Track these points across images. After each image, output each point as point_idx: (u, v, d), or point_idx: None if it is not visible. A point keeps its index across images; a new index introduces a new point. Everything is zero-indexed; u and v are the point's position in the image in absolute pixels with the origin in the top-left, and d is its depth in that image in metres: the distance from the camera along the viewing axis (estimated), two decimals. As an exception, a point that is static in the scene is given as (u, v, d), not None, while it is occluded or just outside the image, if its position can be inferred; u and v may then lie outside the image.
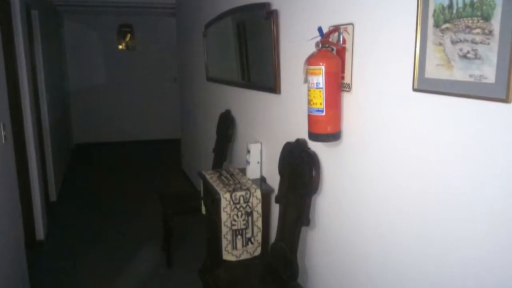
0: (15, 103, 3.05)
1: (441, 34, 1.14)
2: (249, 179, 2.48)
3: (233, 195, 2.22)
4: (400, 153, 1.37)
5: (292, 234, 1.94)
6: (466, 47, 1.07)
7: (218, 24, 3.16)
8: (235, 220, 2.24)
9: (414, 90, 1.26)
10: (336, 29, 1.62)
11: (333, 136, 1.63)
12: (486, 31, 1.01)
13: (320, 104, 1.56)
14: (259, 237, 2.31)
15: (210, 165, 3.24)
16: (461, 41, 1.08)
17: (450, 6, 1.10)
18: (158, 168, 5.77)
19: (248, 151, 2.51)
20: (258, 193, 2.27)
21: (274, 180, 2.32)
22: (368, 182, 1.55)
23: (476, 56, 1.04)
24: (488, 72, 1.01)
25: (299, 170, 1.93)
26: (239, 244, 2.27)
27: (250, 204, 2.26)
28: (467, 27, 1.06)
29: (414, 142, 1.30)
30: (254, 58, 2.62)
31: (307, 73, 1.60)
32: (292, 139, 2.03)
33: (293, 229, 1.94)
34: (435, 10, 1.15)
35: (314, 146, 1.87)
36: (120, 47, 7.25)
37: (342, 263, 1.75)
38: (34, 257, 3.07)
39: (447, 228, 1.19)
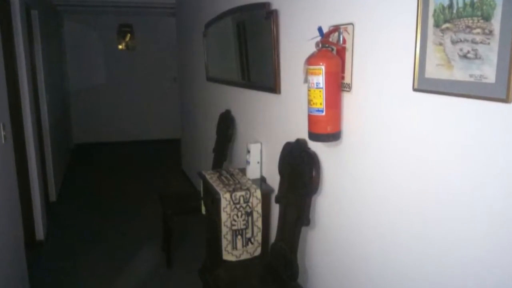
0: (15, 103, 3.05)
1: (441, 34, 1.14)
2: (249, 179, 2.48)
3: (233, 195, 2.22)
4: (400, 153, 1.37)
5: (292, 234, 1.94)
6: (466, 47, 1.07)
7: (218, 24, 3.16)
8: (235, 220, 2.24)
9: (414, 90, 1.26)
10: (336, 29, 1.62)
11: (333, 136, 1.63)
12: (486, 31, 1.00)
13: (320, 104, 1.56)
14: (259, 237, 2.31)
15: (210, 165, 3.24)
16: (461, 41, 1.08)
17: (450, 6, 1.10)
18: (158, 168, 5.77)
19: (248, 151, 2.51)
20: (258, 193, 2.27)
21: (274, 180, 2.32)
22: (368, 182, 1.55)
23: (476, 56, 1.04)
24: (488, 72, 1.01)
25: (299, 170, 1.92)
26: (239, 244, 2.26)
27: (250, 204, 2.26)
28: (467, 27, 1.06)
29: (414, 142, 1.30)
30: (254, 58, 2.62)
31: (307, 73, 1.60)
32: (292, 139, 2.03)
33: (293, 229, 1.94)
34: (435, 10, 1.15)
35: (314, 146, 1.87)
36: (120, 47, 7.25)
37: (342, 263, 1.75)
38: (34, 257, 3.07)
39: (447, 228, 1.19)
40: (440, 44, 1.14)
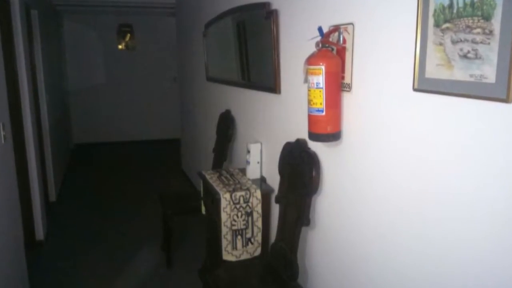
0: (15, 103, 3.04)
1: (442, 34, 1.14)
2: (249, 179, 2.48)
3: (233, 195, 2.22)
4: (400, 153, 1.36)
5: (292, 234, 1.94)
6: (466, 47, 1.06)
7: (218, 24, 3.15)
8: (235, 220, 2.23)
9: (414, 90, 1.25)
10: (336, 29, 1.62)
11: (333, 136, 1.63)
12: (487, 31, 1.00)
13: (320, 104, 1.56)
14: (259, 237, 2.31)
15: (210, 165, 3.24)
16: (461, 41, 1.08)
17: (451, 5, 1.10)
18: (158, 168, 5.77)
19: (248, 151, 2.51)
20: (258, 193, 2.27)
21: (274, 180, 2.32)
22: (368, 182, 1.55)
23: (477, 56, 1.04)
24: (488, 72, 1.01)
25: (299, 170, 1.92)
26: (239, 244, 2.26)
27: (250, 204, 2.26)
28: (468, 27, 1.06)
29: (414, 142, 1.30)
30: (254, 58, 2.62)
31: (307, 73, 1.60)
32: (292, 139, 2.03)
33: (293, 229, 1.94)
34: (435, 10, 1.15)
35: (314, 146, 1.87)
36: (120, 47, 7.25)
37: (342, 263, 1.75)
38: (33, 257, 3.07)
39: (447, 228, 1.19)
40: (440, 44, 1.14)
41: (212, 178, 2.50)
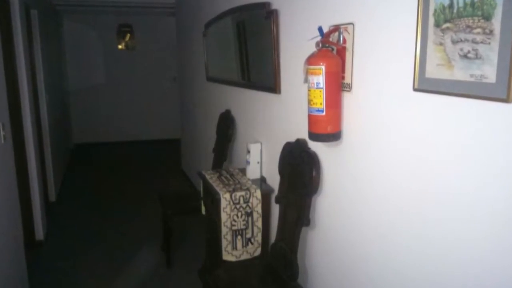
0: (15, 103, 3.04)
1: (442, 34, 1.14)
2: (249, 179, 2.48)
3: (233, 195, 2.22)
4: (400, 153, 1.36)
5: (292, 234, 1.94)
6: (466, 47, 1.06)
7: (218, 24, 3.15)
8: (235, 221, 2.23)
9: (415, 90, 1.25)
10: (336, 28, 1.62)
11: (333, 136, 1.63)
12: (487, 30, 1.00)
13: (320, 104, 1.56)
14: (259, 238, 2.31)
15: (210, 165, 3.24)
16: (461, 40, 1.08)
17: (451, 5, 1.10)
18: (158, 168, 5.76)
19: (248, 151, 2.50)
20: (258, 193, 2.27)
21: (274, 180, 2.31)
22: (368, 182, 1.54)
23: (477, 56, 1.04)
24: (488, 72, 1.01)
25: (299, 170, 1.92)
26: (239, 244, 2.26)
27: (250, 204, 2.26)
28: (468, 26, 1.06)
29: (414, 142, 1.29)
30: (254, 58, 2.62)
31: (307, 73, 1.60)
32: (292, 139, 2.03)
33: (293, 229, 1.94)
34: (435, 10, 1.15)
35: (314, 146, 1.86)
36: (120, 47, 7.24)
37: (342, 263, 1.75)
38: (33, 257, 3.07)
39: (447, 228, 1.19)
40: (441, 44, 1.14)
41: (212, 178, 2.50)
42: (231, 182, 2.40)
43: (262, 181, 2.50)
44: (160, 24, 7.07)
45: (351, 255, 1.69)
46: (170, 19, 6.38)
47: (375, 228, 1.52)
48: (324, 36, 1.62)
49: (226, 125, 3.08)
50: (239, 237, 2.26)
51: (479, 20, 1.02)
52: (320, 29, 1.63)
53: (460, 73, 1.09)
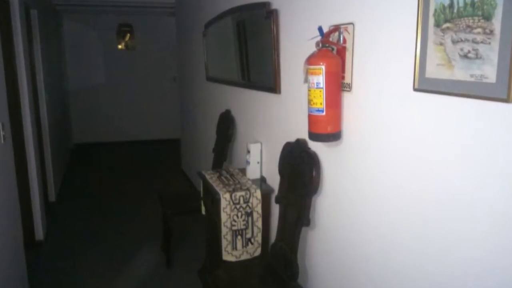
0: (14, 102, 3.04)
1: (442, 34, 1.13)
2: (249, 179, 2.48)
3: (233, 195, 2.22)
4: (401, 153, 1.36)
5: (292, 234, 1.94)
6: (467, 47, 1.06)
7: (218, 24, 3.15)
8: (235, 221, 2.23)
9: (415, 90, 1.25)
10: (336, 28, 1.62)
11: (333, 136, 1.63)
12: (487, 30, 1.00)
13: (320, 104, 1.56)
14: (259, 238, 2.31)
15: (210, 165, 3.24)
16: (462, 40, 1.08)
17: (451, 5, 1.10)
18: (158, 168, 5.76)
19: (248, 151, 2.50)
20: (258, 193, 2.27)
21: (274, 180, 2.31)
22: (368, 182, 1.54)
23: (477, 56, 1.04)
24: (489, 72, 1.01)
25: (299, 170, 1.92)
26: (239, 244, 2.26)
27: (250, 204, 2.26)
28: (468, 26, 1.05)
29: (415, 142, 1.29)
30: (254, 58, 2.62)
31: (307, 72, 1.60)
32: (292, 139, 2.03)
33: (293, 229, 1.94)
34: (435, 10, 1.15)
35: (314, 146, 1.86)
36: (120, 46, 7.24)
37: (342, 263, 1.75)
38: (33, 257, 3.07)
39: (447, 228, 1.19)
40: (441, 43, 1.14)
41: (212, 178, 2.50)
42: (231, 182, 2.40)
43: (262, 181, 2.49)
44: (160, 24, 7.07)
45: (351, 255, 1.69)
46: (170, 19, 6.38)
47: (375, 228, 1.52)
48: (324, 36, 1.62)
49: (226, 125, 3.08)
50: (239, 237, 2.26)
51: (479, 20, 1.02)
52: (320, 29, 1.63)
53: (460, 73, 1.09)
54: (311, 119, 1.62)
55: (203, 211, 2.65)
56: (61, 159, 5.33)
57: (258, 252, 2.32)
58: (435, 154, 1.21)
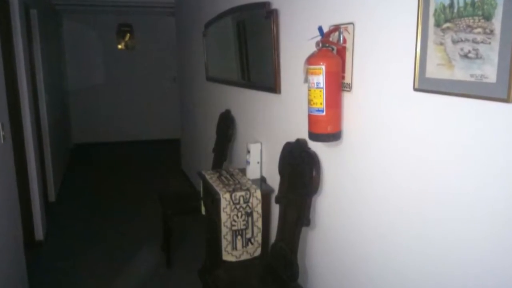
0: (14, 102, 3.04)
1: (442, 34, 1.13)
2: (249, 179, 2.48)
3: (233, 195, 2.22)
4: (401, 153, 1.36)
5: (292, 234, 1.94)
6: (467, 47, 1.06)
7: (218, 24, 3.15)
8: (235, 221, 2.23)
9: (415, 90, 1.25)
10: (336, 28, 1.62)
11: (334, 136, 1.63)
12: (487, 30, 1.00)
13: (321, 104, 1.56)
14: (259, 238, 2.31)
15: (210, 165, 3.24)
16: (462, 40, 1.08)
17: (451, 5, 1.10)
18: (158, 168, 5.76)
19: (248, 151, 2.50)
20: (258, 194, 2.27)
21: (274, 180, 2.31)
22: (368, 182, 1.54)
23: (477, 56, 1.04)
24: (489, 71, 1.01)
25: (299, 170, 1.92)
26: (239, 244, 2.26)
27: (250, 205, 2.25)
28: (468, 26, 1.05)
29: (415, 142, 1.29)
30: (254, 58, 2.62)
31: (307, 72, 1.59)
32: (292, 139, 2.03)
33: (293, 230, 1.94)
34: (436, 10, 1.15)
35: (314, 146, 1.86)
36: (120, 46, 7.24)
37: (342, 263, 1.75)
38: (33, 257, 3.06)
39: (447, 228, 1.19)
40: (441, 43, 1.14)
41: (212, 178, 2.50)
42: (231, 182, 2.40)
43: (262, 181, 2.49)
44: (160, 24, 7.07)
45: (351, 255, 1.69)
46: (170, 19, 6.38)
47: (375, 228, 1.52)
48: (324, 36, 1.62)
49: (226, 125, 3.08)
50: (239, 237, 2.25)
51: (479, 20, 1.02)
52: (320, 29, 1.63)
53: (460, 73, 1.09)
54: (311, 119, 1.62)
55: (203, 211, 2.65)
56: (61, 159, 5.33)
57: (258, 252, 2.32)
58: (435, 154, 1.21)
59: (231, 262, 2.26)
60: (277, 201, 2.13)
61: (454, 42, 1.10)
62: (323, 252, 1.90)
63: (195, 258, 3.00)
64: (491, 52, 1.00)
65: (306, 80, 1.62)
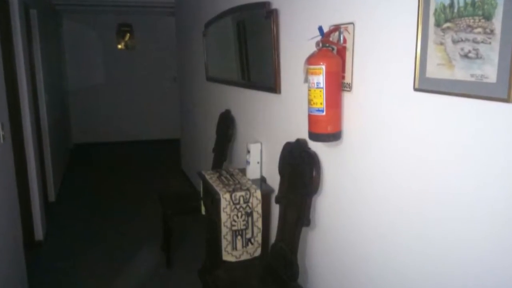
0: (14, 102, 3.04)
1: (442, 34, 1.13)
2: (249, 179, 2.48)
3: (233, 195, 2.21)
4: (401, 153, 1.36)
5: (292, 234, 1.94)
6: (467, 47, 1.06)
7: (218, 24, 3.15)
8: (235, 221, 2.23)
9: (415, 89, 1.25)
10: (336, 28, 1.62)
11: (334, 136, 1.63)
12: (488, 30, 1.00)
13: (321, 104, 1.56)
14: (259, 238, 2.30)
15: (210, 165, 3.24)
16: (462, 40, 1.08)
17: (451, 5, 1.10)
18: (158, 168, 5.76)
19: (248, 151, 2.50)
20: (258, 194, 2.27)
21: (274, 180, 2.31)
22: (368, 182, 1.54)
23: (478, 56, 1.04)
24: (489, 71, 1.01)
25: (299, 170, 1.92)
26: (239, 244, 2.26)
27: (250, 205, 2.25)
28: (469, 26, 1.05)
29: (415, 142, 1.29)
30: (254, 58, 2.61)
31: (307, 72, 1.59)
32: (292, 139, 2.03)
33: (293, 230, 1.93)
34: (436, 9, 1.15)
35: (314, 146, 1.86)
36: (120, 46, 7.24)
37: (342, 263, 1.75)
38: (33, 257, 3.06)
39: (447, 228, 1.19)
40: (441, 43, 1.14)
41: (212, 178, 2.50)
42: (231, 182, 2.40)
43: (262, 181, 2.49)
44: (160, 24, 7.07)
45: (351, 255, 1.69)
46: (170, 19, 6.37)
47: (375, 228, 1.52)
48: (324, 36, 1.61)
49: (226, 125, 3.08)
50: (239, 237, 2.25)
51: (479, 20, 1.02)
52: (320, 28, 1.63)
53: (460, 73, 1.09)
54: (311, 119, 1.62)
55: (203, 211, 2.65)
56: (61, 159, 5.33)
57: (258, 252, 2.32)
58: (435, 154, 1.21)
59: (231, 262, 2.26)
60: (277, 201, 2.13)
61: (454, 42, 1.10)
62: (323, 252, 1.90)
63: (195, 258, 2.99)
64: (491, 52, 1.00)
65: (306, 80, 1.62)
